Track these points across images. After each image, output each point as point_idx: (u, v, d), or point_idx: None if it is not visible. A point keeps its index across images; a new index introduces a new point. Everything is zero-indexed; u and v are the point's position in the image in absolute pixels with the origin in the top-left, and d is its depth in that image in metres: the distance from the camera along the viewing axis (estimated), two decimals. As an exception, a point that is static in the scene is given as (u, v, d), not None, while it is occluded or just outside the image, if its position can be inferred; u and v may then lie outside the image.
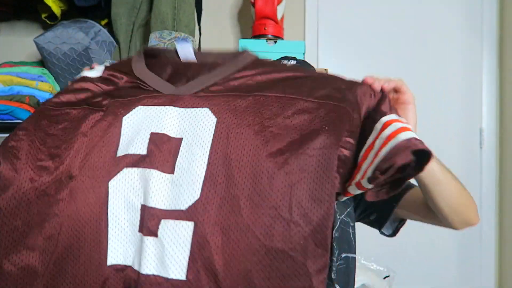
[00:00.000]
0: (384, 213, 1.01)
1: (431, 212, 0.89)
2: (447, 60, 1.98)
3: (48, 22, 1.61)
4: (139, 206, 0.60)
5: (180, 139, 0.62)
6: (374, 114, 0.62)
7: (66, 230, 0.59)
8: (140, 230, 0.59)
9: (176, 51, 0.71)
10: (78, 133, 0.65)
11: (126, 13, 1.57)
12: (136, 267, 0.58)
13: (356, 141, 0.60)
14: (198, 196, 0.57)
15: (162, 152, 0.61)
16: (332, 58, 1.94)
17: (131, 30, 1.58)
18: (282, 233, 0.55)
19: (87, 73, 0.74)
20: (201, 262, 0.56)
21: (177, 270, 0.56)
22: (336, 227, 1.05)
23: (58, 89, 1.63)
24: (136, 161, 0.61)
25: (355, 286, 1.10)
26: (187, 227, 0.57)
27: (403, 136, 0.57)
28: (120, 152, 0.62)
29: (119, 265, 0.59)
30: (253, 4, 1.62)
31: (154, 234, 0.58)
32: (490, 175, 1.98)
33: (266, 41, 1.60)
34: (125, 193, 0.61)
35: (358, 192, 0.61)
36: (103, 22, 1.66)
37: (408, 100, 0.72)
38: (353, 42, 1.95)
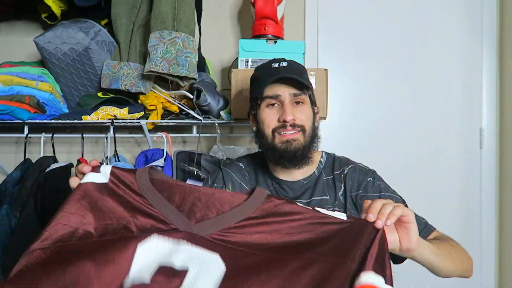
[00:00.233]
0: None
1: None
2: (447, 60, 1.98)
3: (48, 22, 1.61)
4: None
5: (185, 275, 0.66)
6: (361, 256, 0.68)
7: None
8: None
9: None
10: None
11: (126, 13, 1.57)
12: None
13: None
14: None
15: (166, 285, 0.65)
16: (332, 58, 1.94)
17: (131, 30, 1.58)
18: None
19: (92, 177, 0.78)
20: None
21: None
22: None
23: (58, 89, 1.64)
24: None
25: (355, 286, 1.10)
26: None
27: None
28: (128, 283, 0.66)
29: None
30: (253, 4, 1.62)
31: None
32: (490, 175, 1.98)
33: (266, 41, 1.60)
34: None
35: None
36: (103, 22, 1.66)
37: (410, 220, 0.76)
38: (353, 42, 1.95)
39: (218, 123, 1.58)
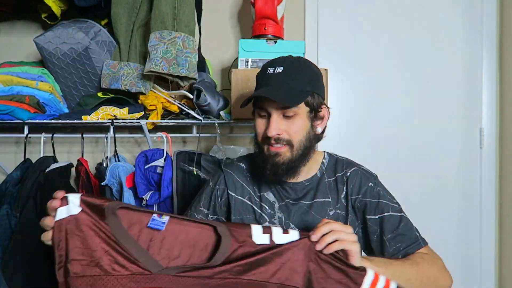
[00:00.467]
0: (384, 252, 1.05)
1: None
2: (447, 60, 1.98)
3: (48, 22, 1.61)
4: None
5: None
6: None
7: None
8: None
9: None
10: None
11: (126, 13, 1.57)
12: None
13: None
14: None
15: None
16: (332, 58, 1.93)
17: (131, 30, 1.58)
18: None
19: (63, 212, 0.83)
20: None
21: None
22: None
23: (58, 89, 1.64)
24: None
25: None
26: None
27: None
28: None
29: None
30: (253, 4, 1.62)
31: None
32: (490, 175, 1.98)
33: (266, 41, 1.60)
34: None
35: None
36: (103, 22, 1.66)
37: (351, 254, 0.84)
38: (353, 42, 1.95)
39: (218, 123, 1.58)
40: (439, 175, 1.97)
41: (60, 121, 1.54)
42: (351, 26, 1.95)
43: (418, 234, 1.06)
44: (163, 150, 1.57)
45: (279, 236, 0.83)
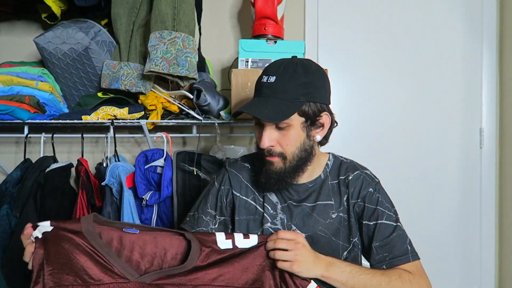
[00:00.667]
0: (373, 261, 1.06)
1: None
2: (447, 60, 1.98)
3: (48, 22, 1.61)
4: None
5: None
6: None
7: None
8: None
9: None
10: None
11: (126, 13, 1.57)
12: None
13: None
14: None
15: None
16: (332, 58, 1.93)
17: (131, 30, 1.58)
18: None
19: (36, 233, 0.87)
20: None
21: None
22: (349, 249, 1.07)
23: (58, 89, 1.63)
24: None
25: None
26: None
27: None
28: None
29: None
30: (253, 4, 1.62)
31: None
32: (490, 175, 1.98)
33: (266, 41, 1.60)
34: None
35: None
36: (103, 22, 1.66)
37: (297, 275, 0.93)
38: (353, 42, 1.95)
39: (218, 123, 1.58)
40: (439, 175, 1.97)
41: (60, 121, 1.54)
42: (351, 26, 1.95)
43: (409, 248, 1.03)
44: (163, 150, 1.57)
45: (241, 241, 0.92)
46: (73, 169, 1.61)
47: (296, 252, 0.91)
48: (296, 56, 1.10)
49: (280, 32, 1.65)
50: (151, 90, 1.59)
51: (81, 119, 1.54)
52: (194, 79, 1.53)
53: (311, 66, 1.05)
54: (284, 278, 0.92)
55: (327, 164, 1.12)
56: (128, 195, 1.43)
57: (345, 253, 1.07)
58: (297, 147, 1.02)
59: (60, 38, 1.51)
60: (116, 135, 1.57)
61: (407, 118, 1.97)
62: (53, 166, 1.52)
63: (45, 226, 0.87)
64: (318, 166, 1.10)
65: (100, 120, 1.54)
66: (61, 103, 1.64)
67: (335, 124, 1.10)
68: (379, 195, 1.07)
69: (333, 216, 1.07)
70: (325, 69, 1.52)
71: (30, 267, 0.86)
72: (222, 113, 1.58)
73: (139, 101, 1.61)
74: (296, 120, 1.00)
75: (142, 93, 1.58)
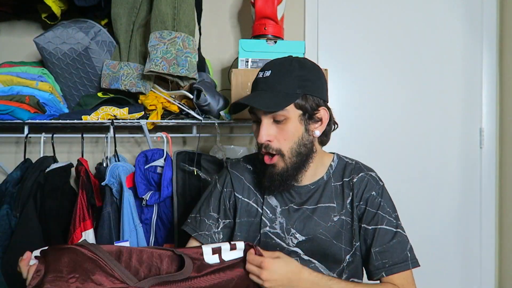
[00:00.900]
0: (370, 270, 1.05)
1: None
2: (447, 60, 1.98)
3: (48, 22, 1.61)
4: None
5: None
6: None
7: None
8: None
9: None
10: None
11: (126, 13, 1.57)
12: None
13: None
14: None
15: None
16: (332, 58, 1.94)
17: (131, 30, 1.58)
18: None
19: (37, 252, 0.88)
20: None
21: None
22: (352, 253, 1.05)
23: (58, 89, 1.64)
24: None
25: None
26: None
27: None
28: None
29: None
30: (253, 4, 1.62)
31: None
32: (490, 175, 1.98)
33: (266, 41, 1.60)
34: None
35: None
36: (103, 22, 1.66)
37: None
38: (353, 42, 1.95)
39: (218, 123, 1.58)
40: (439, 175, 1.98)
41: (60, 121, 1.54)
42: (351, 26, 1.95)
43: (409, 254, 1.02)
44: (163, 150, 1.57)
45: (228, 254, 0.94)
46: (73, 169, 1.61)
47: (262, 272, 0.91)
48: (292, 56, 1.09)
49: (280, 32, 1.65)
50: (151, 90, 1.59)
51: (81, 119, 1.54)
52: (194, 79, 1.53)
53: (307, 62, 1.06)
54: None
55: (330, 165, 1.10)
56: (128, 195, 1.43)
57: (347, 256, 1.05)
58: (295, 142, 1.00)
59: (60, 38, 1.51)
60: (116, 135, 1.57)
61: (407, 118, 1.97)
62: (53, 166, 1.52)
63: (40, 250, 0.88)
64: (321, 167, 1.09)
65: (100, 120, 1.54)
66: (61, 103, 1.65)
67: (336, 126, 1.10)
68: (381, 200, 1.05)
69: (335, 219, 1.05)
70: (325, 69, 1.53)
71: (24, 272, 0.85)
72: (222, 113, 1.58)
73: (139, 101, 1.61)
74: (293, 112, 0.99)
75: (142, 93, 1.58)
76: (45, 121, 1.53)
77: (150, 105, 1.58)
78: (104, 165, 1.60)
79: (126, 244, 0.96)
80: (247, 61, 1.58)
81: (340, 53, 1.95)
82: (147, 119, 1.59)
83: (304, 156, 1.02)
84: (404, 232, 1.05)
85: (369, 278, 1.05)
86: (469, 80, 1.99)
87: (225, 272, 0.92)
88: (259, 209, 1.10)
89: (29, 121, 1.52)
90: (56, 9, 1.54)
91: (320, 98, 1.03)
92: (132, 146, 1.86)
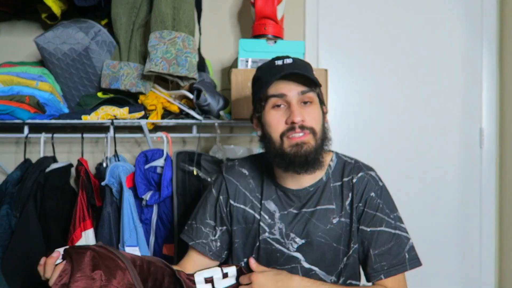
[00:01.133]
0: (369, 271, 1.05)
1: None
2: (447, 60, 1.98)
3: (48, 22, 1.61)
4: None
5: None
6: None
7: None
8: None
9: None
10: None
11: (126, 13, 1.57)
12: None
13: None
14: None
15: None
16: (332, 58, 1.94)
17: (131, 30, 1.58)
18: None
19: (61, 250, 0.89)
20: None
21: None
22: (348, 254, 1.05)
23: (58, 89, 1.64)
24: None
25: (355, 286, 1.10)
26: None
27: None
28: None
29: None
30: (253, 4, 1.62)
31: None
32: (490, 175, 1.98)
33: (266, 41, 1.60)
34: None
35: None
36: (103, 22, 1.66)
37: None
38: (353, 42, 1.95)
39: (218, 123, 1.58)
40: (439, 175, 1.97)
41: (60, 121, 1.54)
42: (351, 26, 1.95)
43: (407, 256, 1.01)
44: (163, 150, 1.57)
45: (220, 282, 0.96)
46: (73, 169, 1.61)
47: (252, 287, 0.94)
48: None
49: (280, 32, 1.65)
50: (151, 90, 1.59)
51: (81, 119, 1.54)
52: (194, 79, 1.53)
53: None
54: None
55: (329, 165, 1.09)
56: (128, 195, 1.43)
57: (344, 258, 1.04)
58: (322, 123, 1.03)
59: (60, 38, 1.51)
60: (116, 135, 1.57)
61: (407, 118, 1.97)
62: (53, 166, 1.52)
63: (64, 248, 0.89)
64: (322, 167, 1.07)
65: (100, 120, 1.54)
66: (61, 103, 1.65)
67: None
68: (380, 201, 1.04)
69: (334, 221, 1.04)
70: (325, 69, 1.54)
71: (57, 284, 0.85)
72: (222, 113, 1.58)
73: (139, 101, 1.61)
74: (316, 98, 1.02)
75: (142, 93, 1.58)
76: (45, 121, 1.53)
77: (150, 105, 1.58)
78: (104, 165, 1.60)
79: (136, 250, 0.96)
80: (247, 61, 1.58)
81: (340, 53, 1.95)
82: (147, 119, 1.59)
83: (324, 141, 1.03)
84: (404, 231, 1.04)
85: (368, 280, 1.04)
86: (469, 80, 1.99)
87: None
88: (257, 215, 1.08)
89: (29, 121, 1.52)
90: (56, 9, 1.54)
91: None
92: (132, 146, 1.86)
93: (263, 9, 1.60)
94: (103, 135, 1.63)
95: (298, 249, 1.05)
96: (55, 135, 1.59)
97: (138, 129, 1.68)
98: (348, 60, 1.95)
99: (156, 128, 1.68)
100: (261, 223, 1.07)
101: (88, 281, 0.82)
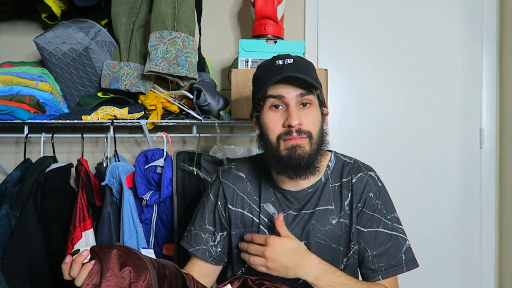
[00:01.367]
0: (366, 270, 1.04)
1: None
2: (447, 60, 1.98)
3: (48, 22, 1.61)
4: None
5: None
6: None
7: None
8: None
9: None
10: None
11: (126, 13, 1.57)
12: None
13: None
14: None
15: None
16: (332, 58, 1.94)
17: (131, 30, 1.58)
18: None
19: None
20: None
21: None
22: (348, 255, 1.04)
23: (58, 89, 1.64)
24: None
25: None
26: None
27: None
28: None
29: None
30: (253, 4, 1.62)
31: None
32: (490, 175, 1.98)
33: (266, 41, 1.60)
34: None
35: None
36: (103, 22, 1.66)
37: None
38: (353, 42, 1.95)
39: (218, 123, 1.58)
40: (439, 175, 1.97)
41: (60, 121, 1.54)
42: (351, 26, 1.95)
43: (404, 257, 1.01)
44: (163, 150, 1.57)
45: None
46: (73, 169, 1.61)
47: (265, 249, 0.93)
48: None
49: (280, 32, 1.65)
50: (151, 90, 1.59)
51: (81, 119, 1.54)
52: (194, 79, 1.53)
53: None
54: None
55: (328, 166, 1.08)
56: (128, 195, 1.43)
57: (344, 259, 1.04)
58: (319, 128, 1.01)
59: (60, 38, 1.51)
60: (116, 135, 1.57)
61: (407, 118, 1.97)
62: (53, 166, 1.52)
63: (91, 247, 0.89)
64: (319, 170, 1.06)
65: (100, 120, 1.54)
66: (61, 103, 1.65)
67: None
68: (378, 202, 1.04)
69: (333, 222, 1.03)
70: (325, 69, 1.54)
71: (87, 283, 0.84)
72: (222, 113, 1.58)
73: (139, 101, 1.61)
74: (315, 100, 1.01)
75: (142, 93, 1.58)
76: (45, 121, 1.53)
77: (150, 105, 1.58)
78: (104, 165, 1.60)
79: (151, 252, 0.95)
80: (247, 61, 1.58)
81: (340, 53, 1.95)
82: (147, 119, 1.59)
83: (321, 145, 1.02)
84: (401, 232, 1.04)
85: (364, 280, 1.04)
86: (469, 80, 1.99)
87: None
88: (255, 219, 1.07)
89: (29, 121, 1.52)
90: (56, 9, 1.54)
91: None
92: (132, 146, 1.86)
93: (263, 9, 1.60)
94: (103, 135, 1.63)
95: None
96: (55, 135, 1.59)
97: (138, 129, 1.68)
98: (348, 60, 1.95)
99: (156, 128, 1.68)
100: (261, 226, 1.06)
101: (118, 279, 0.81)
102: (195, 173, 1.52)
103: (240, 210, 1.09)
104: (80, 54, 1.53)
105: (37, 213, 1.41)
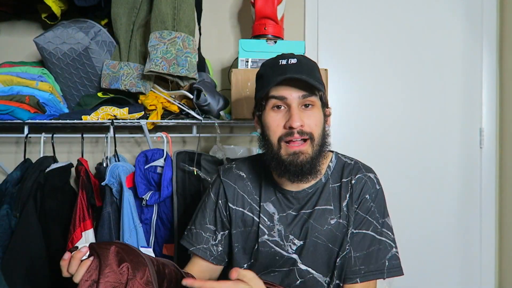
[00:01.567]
0: (349, 274, 1.02)
1: None
2: (447, 60, 1.98)
3: (48, 22, 1.61)
4: None
5: None
6: None
7: None
8: None
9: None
10: None
11: (126, 13, 1.57)
12: None
13: None
14: None
15: None
16: (332, 58, 1.94)
17: (131, 30, 1.58)
18: None
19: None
20: None
21: None
22: (342, 256, 1.03)
23: (58, 89, 1.64)
24: None
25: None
26: None
27: None
28: None
29: None
30: (253, 4, 1.62)
31: None
32: (490, 175, 1.98)
33: (266, 41, 1.60)
34: None
35: None
36: (103, 22, 1.66)
37: None
38: (353, 42, 1.95)
39: (218, 123, 1.58)
40: (439, 175, 1.98)
41: (60, 121, 1.54)
42: (351, 26, 1.95)
43: (387, 263, 1.00)
44: (163, 150, 1.57)
45: None
46: (73, 169, 1.61)
47: None
48: None
49: (280, 32, 1.65)
50: (151, 90, 1.59)
51: (81, 119, 1.54)
52: (194, 79, 1.53)
53: None
54: None
55: (329, 166, 1.08)
56: (128, 195, 1.43)
57: (338, 259, 1.03)
58: (321, 129, 1.00)
59: (60, 38, 1.51)
60: (116, 135, 1.57)
61: (407, 118, 1.97)
62: (53, 166, 1.52)
63: (89, 244, 0.88)
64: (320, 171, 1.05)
65: (100, 120, 1.54)
66: (61, 103, 1.65)
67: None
68: (373, 204, 1.03)
69: (332, 222, 1.03)
70: (325, 69, 1.54)
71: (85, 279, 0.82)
72: (222, 113, 1.58)
73: (139, 101, 1.61)
74: (317, 102, 1.00)
75: (142, 93, 1.58)
76: (45, 121, 1.53)
77: (150, 105, 1.58)
78: (104, 165, 1.60)
79: (150, 251, 0.95)
80: (247, 61, 1.58)
81: (340, 53, 1.95)
82: (147, 119, 1.59)
83: (323, 146, 1.01)
84: (389, 238, 1.02)
85: (343, 282, 1.02)
86: (469, 80, 1.99)
87: None
88: (256, 218, 1.07)
89: (29, 121, 1.52)
90: (56, 9, 1.54)
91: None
92: (132, 146, 1.86)
93: (263, 9, 1.60)
94: (103, 135, 1.63)
95: (296, 251, 1.04)
96: (55, 135, 1.59)
97: (138, 129, 1.68)
98: (348, 60, 1.95)
99: (156, 128, 1.68)
100: (261, 225, 1.06)
101: (117, 275, 0.81)
102: (195, 173, 1.52)
103: (240, 209, 1.09)
104: (80, 54, 1.53)
105: (37, 213, 1.41)
